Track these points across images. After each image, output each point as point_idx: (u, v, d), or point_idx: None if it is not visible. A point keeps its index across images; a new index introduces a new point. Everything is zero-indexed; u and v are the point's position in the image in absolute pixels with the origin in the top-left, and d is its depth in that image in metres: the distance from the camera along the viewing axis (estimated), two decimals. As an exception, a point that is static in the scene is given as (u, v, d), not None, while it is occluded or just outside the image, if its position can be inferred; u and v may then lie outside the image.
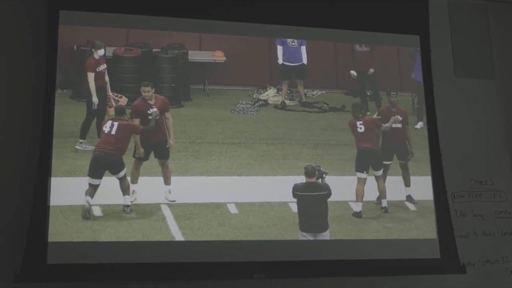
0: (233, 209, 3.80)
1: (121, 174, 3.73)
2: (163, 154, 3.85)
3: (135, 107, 3.85)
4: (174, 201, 3.75)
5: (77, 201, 3.62)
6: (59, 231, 3.50)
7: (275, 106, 4.25)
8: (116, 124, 3.77)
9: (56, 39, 3.75)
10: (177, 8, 4.00)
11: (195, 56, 4.18)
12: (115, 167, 3.72)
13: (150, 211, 3.71)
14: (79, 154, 3.76)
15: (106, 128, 3.76)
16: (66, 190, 3.62)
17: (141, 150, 3.80)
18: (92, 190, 3.64)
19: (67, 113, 3.78)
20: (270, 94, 4.27)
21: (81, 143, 3.83)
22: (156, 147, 3.86)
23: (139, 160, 3.81)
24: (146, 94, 3.84)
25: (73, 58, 3.92)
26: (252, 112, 4.18)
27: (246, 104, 4.20)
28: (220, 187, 3.85)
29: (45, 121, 3.61)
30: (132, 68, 4.09)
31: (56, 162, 3.61)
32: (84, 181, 3.68)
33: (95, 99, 3.90)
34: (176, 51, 4.16)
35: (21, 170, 3.60)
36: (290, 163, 4.01)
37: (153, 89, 3.88)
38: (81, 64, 3.94)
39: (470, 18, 4.68)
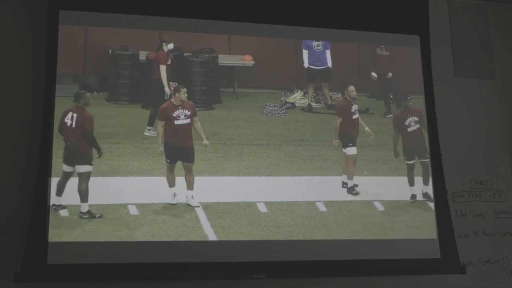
0: (262, 208, 3.86)
1: (83, 168, 3.66)
2: (188, 157, 3.86)
3: (163, 110, 3.87)
4: (198, 206, 3.77)
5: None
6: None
7: (302, 109, 4.33)
8: (75, 116, 3.69)
9: (56, 39, 3.75)
10: (174, 7, 4.02)
11: (224, 60, 4.25)
12: (82, 160, 3.68)
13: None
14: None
15: (68, 120, 3.70)
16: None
17: (160, 149, 3.81)
18: (65, 178, 3.63)
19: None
20: (297, 97, 4.33)
21: (149, 129, 3.95)
22: (181, 151, 3.86)
23: (169, 164, 3.82)
24: (184, 95, 3.87)
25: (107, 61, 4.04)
26: (280, 115, 4.24)
27: (274, 106, 4.27)
28: (250, 187, 3.92)
29: (45, 121, 3.61)
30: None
31: (56, 162, 3.61)
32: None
33: (167, 90, 4.03)
34: (207, 55, 4.22)
35: (21, 170, 3.60)
36: (316, 163, 4.07)
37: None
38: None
39: (470, 18, 4.68)
